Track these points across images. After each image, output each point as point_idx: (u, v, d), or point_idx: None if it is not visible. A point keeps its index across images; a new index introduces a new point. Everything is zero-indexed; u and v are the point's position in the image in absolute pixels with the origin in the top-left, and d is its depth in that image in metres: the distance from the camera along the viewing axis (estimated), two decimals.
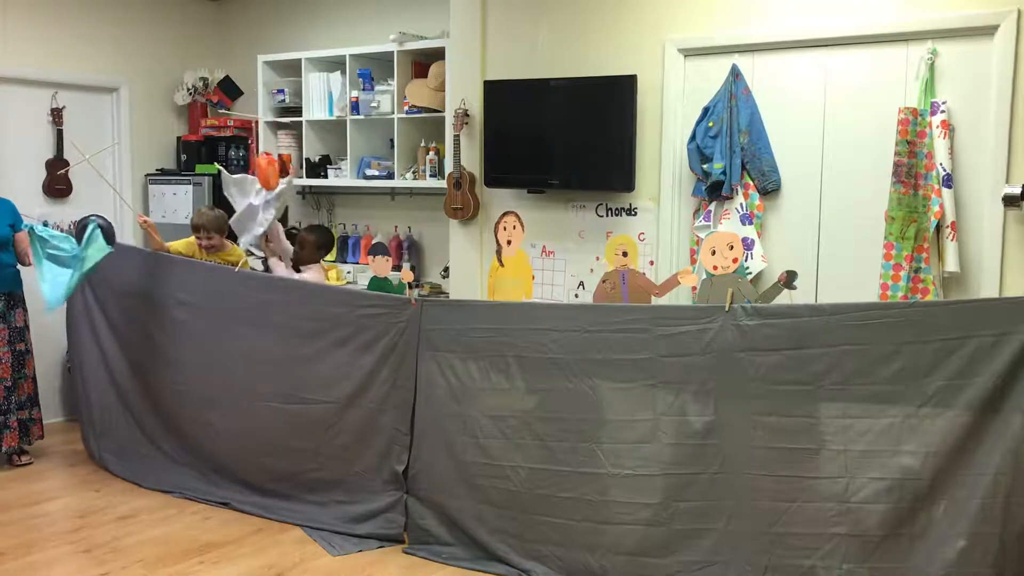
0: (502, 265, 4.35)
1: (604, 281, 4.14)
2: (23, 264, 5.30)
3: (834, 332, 3.31)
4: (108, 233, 4.80)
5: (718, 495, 3.52)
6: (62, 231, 5.12)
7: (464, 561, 4.02)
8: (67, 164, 6.10)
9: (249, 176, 5.17)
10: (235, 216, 5.13)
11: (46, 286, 4.73)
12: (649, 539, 3.63)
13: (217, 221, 5.09)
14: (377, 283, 4.50)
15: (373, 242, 6.08)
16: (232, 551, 4.20)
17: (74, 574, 3.95)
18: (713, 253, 3.74)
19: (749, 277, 4.31)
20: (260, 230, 5.08)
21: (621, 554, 3.69)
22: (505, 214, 4.42)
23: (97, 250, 4.73)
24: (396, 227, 6.24)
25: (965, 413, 3.13)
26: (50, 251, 4.78)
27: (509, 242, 4.33)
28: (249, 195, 5.09)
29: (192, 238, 5.12)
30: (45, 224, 5.32)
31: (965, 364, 3.13)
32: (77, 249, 4.75)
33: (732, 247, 3.71)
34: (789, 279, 3.72)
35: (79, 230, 4.82)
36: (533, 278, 4.69)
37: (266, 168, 4.99)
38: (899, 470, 3.22)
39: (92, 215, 4.87)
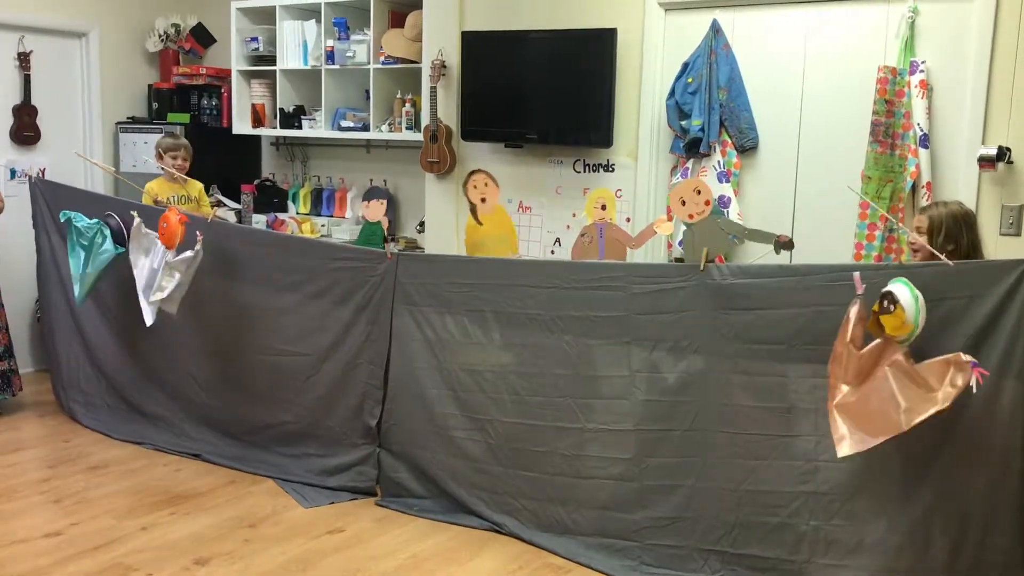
0: (480, 223, 4.29)
1: (582, 235, 4.11)
2: None
3: (807, 293, 3.31)
4: (117, 233, 4.65)
5: (689, 452, 3.55)
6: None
7: (436, 513, 4.04)
8: (35, 110, 5.99)
9: (152, 233, 4.56)
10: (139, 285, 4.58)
11: (75, 278, 4.71)
12: (620, 494, 3.66)
13: (188, 146, 5.19)
14: (370, 229, 4.41)
15: (367, 189, 6.10)
16: (203, 502, 4.19)
17: (43, 525, 3.93)
18: (683, 203, 3.65)
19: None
20: (157, 296, 4.47)
21: (592, 508, 3.72)
22: (472, 173, 4.33)
23: (104, 252, 4.61)
24: (371, 180, 6.17)
25: None
26: (82, 241, 4.69)
27: (484, 199, 4.27)
28: (152, 256, 4.58)
29: (159, 180, 5.12)
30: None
31: (936, 326, 3.14)
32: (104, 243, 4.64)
33: (699, 191, 3.62)
34: (785, 244, 3.59)
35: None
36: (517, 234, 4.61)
37: (175, 227, 4.36)
38: None
39: (107, 213, 4.70)
